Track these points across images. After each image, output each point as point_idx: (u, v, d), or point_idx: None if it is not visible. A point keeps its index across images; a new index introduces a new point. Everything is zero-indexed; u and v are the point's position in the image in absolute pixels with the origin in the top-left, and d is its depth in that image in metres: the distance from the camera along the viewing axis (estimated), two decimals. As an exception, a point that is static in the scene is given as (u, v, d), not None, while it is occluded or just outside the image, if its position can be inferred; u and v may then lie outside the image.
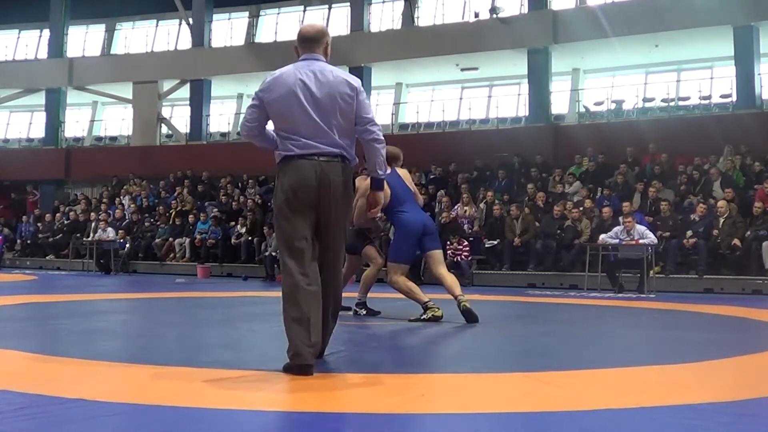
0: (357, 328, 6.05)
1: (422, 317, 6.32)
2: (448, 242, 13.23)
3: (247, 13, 23.51)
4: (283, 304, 3.63)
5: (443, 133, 19.88)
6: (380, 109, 21.98)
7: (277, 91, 3.77)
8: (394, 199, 6.44)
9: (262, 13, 23.59)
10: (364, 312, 6.82)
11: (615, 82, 20.07)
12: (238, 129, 23.55)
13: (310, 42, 4.00)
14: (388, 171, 6.51)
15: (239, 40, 23.11)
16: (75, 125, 24.95)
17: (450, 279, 6.51)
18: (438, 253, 6.60)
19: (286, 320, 3.60)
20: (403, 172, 6.79)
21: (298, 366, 3.51)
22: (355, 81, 3.84)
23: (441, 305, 6.40)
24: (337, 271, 3.95)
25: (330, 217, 3.76)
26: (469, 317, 6.24)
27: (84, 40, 25.19)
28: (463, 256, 13.04)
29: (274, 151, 3.81)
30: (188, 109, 22.74)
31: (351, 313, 6.77)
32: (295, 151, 3.70)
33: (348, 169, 3.80)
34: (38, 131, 24.95)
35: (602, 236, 11.24)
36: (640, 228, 11.00)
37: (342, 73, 3.87)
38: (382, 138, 3.85)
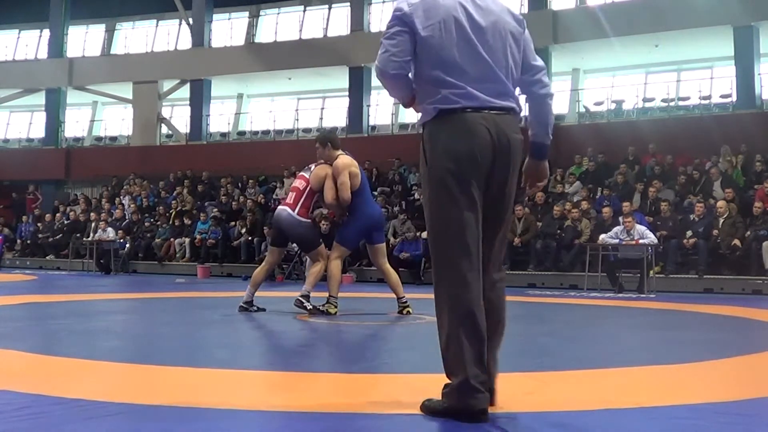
0: (353, 328, 6.06)
1: (319, 307, 6.64)
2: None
3: (247, 13, 23.51)
4: (447, 321, 2.67)
5: (443, 133, 19.86)
6: (380, 109, 21.99)
7: (433, 16, 2.70)
8: (362, 187, 6.73)
9: (262, 13, 23.59)
10: (310, 306, 6.70)
11: (615, 82, 20.07)
12: (236, 129, 23.55)
13: None
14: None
15: (239, 40, 23.11)
16: (75, 125, 24.97)
17: (395, 277, 6.89)
18: (383, 246, 6.98)
19: (449, 344, 2.68)
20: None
21: (469, 411, 2.61)
22: (518, 13, 2.90)
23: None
24: (502, 255, 2.89)
25: (506, 188, 2.78)
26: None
27: (84, 40, 25.20)
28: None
29: (419, 104, 2.79)
30: (188, 109, 22.74)
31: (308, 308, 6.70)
32: (460, 102, 2.68)
33: (519, 124, 2.82)
34: (38, 131, 24.95)
35: (602, 236, 11.23)
36: (640, 228, 10.99)
37: None
38: (553, 93, 2.95)
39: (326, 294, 6.75)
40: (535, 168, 2.96)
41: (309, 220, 6.87)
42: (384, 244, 7.06)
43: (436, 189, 2.70)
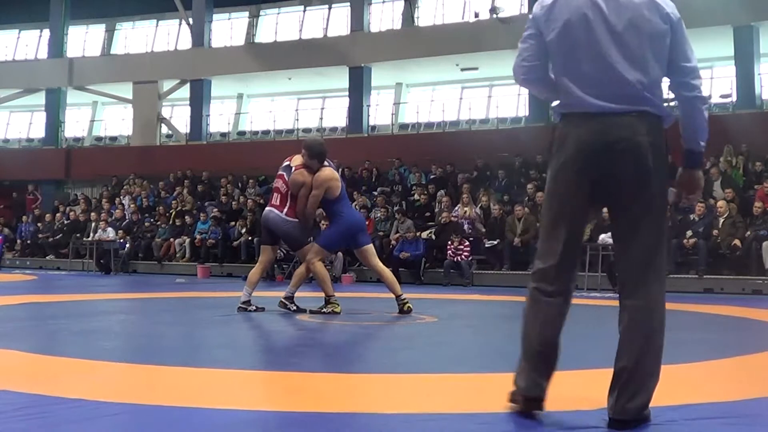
0: (353, 328, 6.06)
1: (322, 309, 6.65)
2: (449, 242, 13.24)
3: (247, 13, 23.50)
4: (524, 313, 2.85)
5: (443, 133, 19.87)
6: (380, 109, 21.99)
7: (559, 17, 2.65)
8: (342, 193, 6.83)
9: (262, 13, 23.59)
10: (294, 307, 6.81)
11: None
12: (236, 129, 23.54)
13: None
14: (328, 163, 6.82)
15: (239, 40, 23.10)
16: (75, 125, 24.95)
17: (390, 276, 6.96)
18: (371, 247, 7.05)
19: (522, 337, 2.86)
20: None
21: (523, 399, 2.77)
22: (669, 6, 2.66)
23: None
24: (658, 279, 2.74)
25: (635, 197, 2.67)
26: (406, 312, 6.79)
27: (84, 40, 25.19)
28: (463, 256, 13.04)
29: (554, 109, 2.82)
30: (188, 109, 22.74)
31: (291, 308, 6.80)
32: (576, 107, 2.67)
33: (659, 128, 2.78)
34: (38, 131, 24.94)
35: (602, 236, 11.23)
36: (640, 228, 10.98)
37: None
38: (707, 97, 2.83)
39: (322, 295, 6.78)
40: (686, 177, 2.90)
41: (296, 220, 6.86)
42: (371, 245, 7.13)
43: (547, 187, 2.77)
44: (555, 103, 2.78)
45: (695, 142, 2.86)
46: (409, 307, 6.78)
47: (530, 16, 2.75)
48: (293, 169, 6.84)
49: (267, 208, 7.03)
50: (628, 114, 2.63)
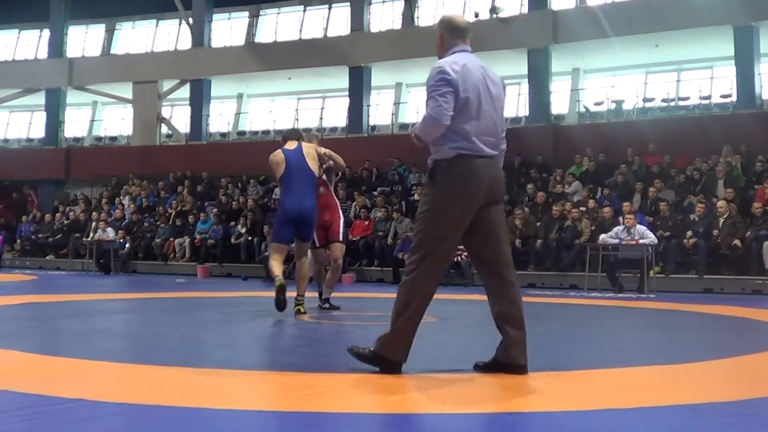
0: (352, 328, 6.06)
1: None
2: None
3: (247, 13, 23.51)
4: (406, 302, 3.65)
5: (443, 133, 19.85)
6: (380, 109, 21.98)
7: (468, 82, 3.60)
8: (284, 178, 6.65)
9: (262, 13, 23.59)
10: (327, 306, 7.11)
11: (615, 82, 20.07)
12: (233, 128, 23.51)
13: (465, 32, 3.93)
14: (293, 147, 6.73)
15: (239, 40, 23.11)
16: (75, 125, 24.95)
17: (304, 274, 6.83)
18: (306, 245, 6.87)
19: (401, 318, 3.63)
20: (309, 148, 6.86)
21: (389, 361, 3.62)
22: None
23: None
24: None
25: (498, 216, 3.73)
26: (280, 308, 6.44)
27: (84, 40, 25.19)
28: (463, 256, 13.03)
29: (439, 144, 3.60)
30: (188, 109, 22.73)
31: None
32: (473, 151, 3.57)
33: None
34: (38, 131, 24.94)
35: (602, 236, 11.24)
36: (641, 228, 11.00)
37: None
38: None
39: (313, 295, 6.86)
40: None
41: None
42: (308, 243, 6.88)
43: (441, 209, 3.56)
44: (446, 143, 3.55)
45: None
46: (299, 309, 6.61)
47: (444, 75, 3.56)
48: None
49: None
50: (497, 156, 3.69)
